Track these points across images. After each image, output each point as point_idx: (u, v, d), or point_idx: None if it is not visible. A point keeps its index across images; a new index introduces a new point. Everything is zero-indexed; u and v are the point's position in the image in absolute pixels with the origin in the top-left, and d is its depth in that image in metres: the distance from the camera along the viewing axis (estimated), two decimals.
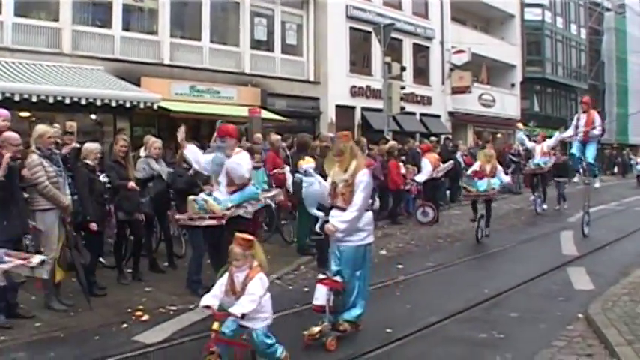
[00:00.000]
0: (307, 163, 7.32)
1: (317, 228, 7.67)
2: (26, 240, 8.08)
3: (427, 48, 31.68)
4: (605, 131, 49.83)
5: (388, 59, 22.07)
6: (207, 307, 5.69)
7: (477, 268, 10.94)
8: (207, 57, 21.24)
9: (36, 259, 6.51)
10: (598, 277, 9.77)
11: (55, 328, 7.22)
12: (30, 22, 17.21)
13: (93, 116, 17.44)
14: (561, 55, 44.15)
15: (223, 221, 8.18)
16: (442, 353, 6.64)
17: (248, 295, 5.55)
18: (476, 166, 14.19)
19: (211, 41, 21.54)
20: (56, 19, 17.67)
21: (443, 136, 27.53)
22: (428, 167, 16.34)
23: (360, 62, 27.78)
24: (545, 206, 18.93)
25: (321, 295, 6.85)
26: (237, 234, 5.86)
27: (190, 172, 9.52)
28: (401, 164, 16.57)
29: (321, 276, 7.03)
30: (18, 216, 7.36)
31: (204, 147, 10.26)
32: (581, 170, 15.40)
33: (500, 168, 14.23)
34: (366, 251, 7.17)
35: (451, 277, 10.36)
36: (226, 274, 5.74)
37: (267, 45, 23.64)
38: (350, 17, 26.58)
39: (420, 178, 16.28)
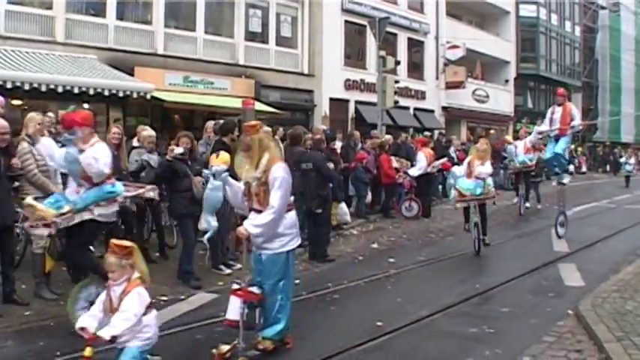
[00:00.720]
0: (220, 162, 6.32)
1: (205, 239, 7.22)
2: (17, 229, 8.11)
3: (422, 43, 31.67)
4: (598, 129, 50.52)
5: (383, 53, 22.01)
6: (82, 329, 4.80)
7: (468, 263, 10.96)
8: (201, 48, 21.18)
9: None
10: (588, 274, 9.79)
11: (45, 317, 7.20)
12: (23, 9, 17.13)
13: (85, 105, 17.27)
14: (555, 52, 44.21)
15: (52, 230, 6.62)
16: (432, 347, 6.64)
17: (121, 312, 4.79)
18: (465, 164, 12.62)
19: (206, 32, 21.48)
20: (50, 8, 17.58)
21: (436, 131, 27.58)
22: (423, 162, 16.34)
23: (354, 56, 27.76)
24: (528, 204, 17.97)
25: (233, 309, 6.02)
26: (113, 240, 5.10)
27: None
28: (393, 158, 16.54)
29: (235, 286, 6.16)
30: (3, 204, 7.30)
31: (197, 138, 10.25)
32: (566, 172, 14.27)
33: (487, 167, 12.04)
34: (289, 259, 6.29)
35: (442, 272, 10.40)
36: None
37: (261, 37, 23.59)
38: (345, 10, 26.55)
39: (414, 172, 16.28)
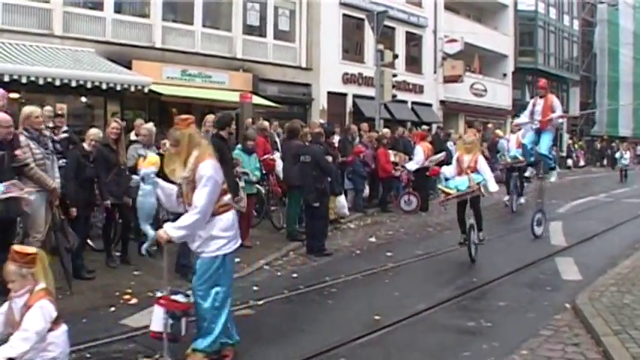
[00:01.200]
0: (149, 165, 5.78)
1: (143, 249, 6.77)
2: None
3: (420, 36, 31.65)
4: (596, 123, 50.55)
5: (381, 47, 22.01)
6: None
7: (465, 257, 10.90)
8: (199, 41, 21.13)
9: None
10: (586, 268, 9.81)
11: None
12: (20, 2, 17.04)
13: (83, 99, 17.35)
14: (554, 46, 44.18)
15: None
16: (430, 341, 6.65)
17: (21, 331, 4.31)
18: (454, 161, 11.29)
19: (203, 25, 21.44)
20: (47, 1, 17.52)
21: (434, 125, 27.56)
22: (420, 156, 16.35)
23: (352, 49, 27.73)
24: (522, 200, 17.36)
25: (157, 320, 5.55)
26: (14, 247, 4.69)
27: None
28: (390, 151, 16.54)
29: (158, 294, 5.68)
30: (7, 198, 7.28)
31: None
32: (533, 166, 13.72)
33: (482, 161, 10.78)
34: (225, 264, 5.72)
35: (440, 266, 10.39)
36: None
37: (259, 30, 23.54)
38: (343, 4, 26.50)
39: (411, 166, 16.30)
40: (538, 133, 12.69)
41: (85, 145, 8.91)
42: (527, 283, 9.07)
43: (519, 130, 15.56)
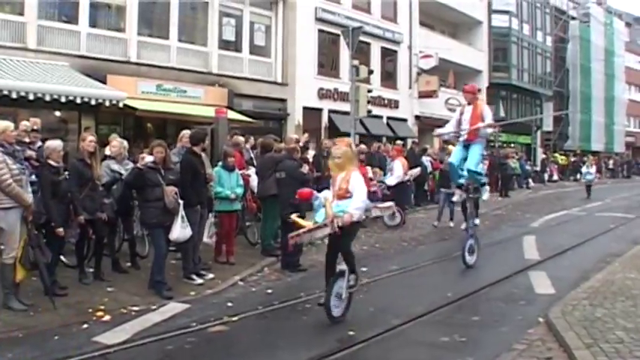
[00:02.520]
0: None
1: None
2: None
3: (395, 52, 31.86)
4: (569, 138, 51.07)
5: (356, 62, 22.08)
6: None
7: (440, 272, 11.01)
8: (174, 56, 21.09)
9: None
10: (559, 282, 9.88)
11: (13, 329, 7.09)
12: None
13: (57, 113, 17.22)
14: (527, 61, 44.67)
15: None
16: (404, 356, 6.66)
17: None
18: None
19: (179, 40, 21.41)
20: (21, 14, 17.39)
21: (409, 140, 27.70)
22: (399, 170, 16.43)
23: (328, 65, 27.83)
24: (477, 220, 14.36)
25: None
26: None
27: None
28: (368, 167, 16.59)
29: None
30: None
31: (170, 146, 10.22)
32: (463, 185, 11.53)
33: (356, 181, 7.54)
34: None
35: (415, 281, 10.42)
36: None
37: (235, 45, 23.56)
38: (319, 19, 26.63)
39: (391, 181, 16.40)
40: (466, 146, 11.12)
41: (52, 161, 8.64)
42: (500, 297, 9.11)
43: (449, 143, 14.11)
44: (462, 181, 11.35)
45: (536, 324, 7.52)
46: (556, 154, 46.44)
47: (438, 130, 12.56)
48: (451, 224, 16.62)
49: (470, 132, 10.91)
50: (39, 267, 7.83)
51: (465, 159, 11.15)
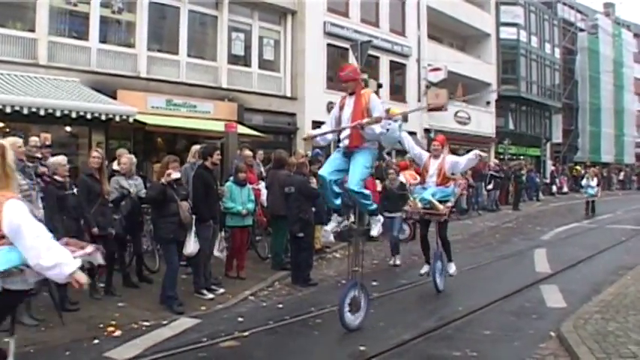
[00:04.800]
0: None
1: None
2: None
3: (404, 65, 31.84)
4: (579, 150, 50.79)
5: (365, 76, 22.13)
6: None
7: (451, 286, 10.95)
8: (184, 71, 21.17)
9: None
10: (570, 295, 9.85)
11: (25, 344, 7.08)
12: (5, 32, 17.04)
13: (68, 128, 17.29)
14: (536, 73, 44.61)
15: None
16: None
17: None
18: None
19: (188, 55, 21.47)
20: (32, 30, 17.51)
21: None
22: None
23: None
24: (453, 269, 10.66)
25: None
26: None
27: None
28: (377, 181, 16.57)
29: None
30: None
31: (182, 161, 10.26)
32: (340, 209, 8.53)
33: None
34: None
35: (425, 295, 10.37)
36: None
37: (244, 60, 23.62)
38: (327, 34, 26.66)
39: None
40: (348, 155, 7.97)
41: (58, 177, 8.73)
42: (512, 311, 9.08)
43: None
44: (338, 202, 8.17)
45: (548, 338, 7.50)
46: (577, 167, 46.23)
47: (311, 132, 9.07)
48: (397, 261, 13.27)
49: (351, 134, 7.82)
50: (48, 282, 7.83)
51: (343, 169, 8.04)
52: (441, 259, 10.47)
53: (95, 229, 8.98)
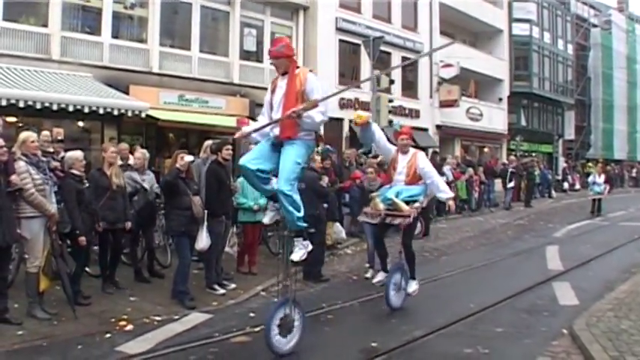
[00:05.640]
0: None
1: None
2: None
3: (416, 61, 31.75)
4: (591, 146, 50.56)
5: (377, 72, 22.09)
6: None
7: (462, 283, 10.95)
8: (196, 66, 21.20)
9: None
10: (583, 293, 9.81)
11: (37, 337, 7.15)
12: (19, 27, 17.10)
13: (80, 123, 17.36)
14: (548, 70, 44.41)
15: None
16: None
17: None
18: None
19: (201, 51, 21.50)
20: (45, 25, 17.58)
21: (430, 150, 27.61)
22: None
23: (348, 74, 27.77)
24: (414, 287, 9.22)
25: None
26: None
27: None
28: None
29: None
30: (5, 223, 7.29)
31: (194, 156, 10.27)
32: (270, 207, 7.31)
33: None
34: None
35: (437, 292, 10.35)
36: None
37: (256, 55, 23.61)
38: (339, 29, 26.63)
39: None
40: (277, 144, 6.62)
41: (76, 170, 8.76)
42: (524, 308, 9.05)
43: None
44: (269, 187, 6.75)
45: (560, 336, 7.48)
46: (590, 164, 46.00)
47: (244, 129, 7.23)
48: (378, 277, 9.65)
49: (284, 122, 6.49)
50: (61, 276, 7.89)
51: (273, 162, 6.62)
52: (402, 272, 9.05)
53: (100, 224, 8.99)
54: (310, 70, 6.85)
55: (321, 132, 23.20)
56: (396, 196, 8.65)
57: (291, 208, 6.49)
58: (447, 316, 8.41)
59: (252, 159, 6.58)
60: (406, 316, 8.54)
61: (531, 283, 10.51)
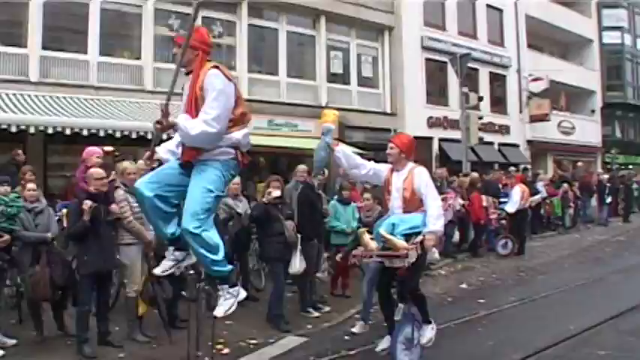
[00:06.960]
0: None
1: None
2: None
3: (504, 76, 31.31)
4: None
5: (465, 89, 21.88)
6: None
7: (561, 303, 10.64)
8: (284, 91, 21.53)
9: None
10: None
11: (137, 359, 7.36)
12: (114, 60, 17.83)
13: None
14: None
15: None
16: None
17: None
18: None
19: (288, 75, 21.84)
20: (138, 58, 18.27)
21: (522, 166, 27.10)
22: (517, 197, 16.14)
23: (436, 93, 27.65)
24: (429, 335, 7.07)
25: None
26: None
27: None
28: (483, 196, 16.35)
29: None
30: (100, 251, 7.56)
31: (286, 181, 10.40)
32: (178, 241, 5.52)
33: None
34: None
35: (535, 313, 10.07)
36: None
37: (343, 78, 23.81)
38: (425, 48, 26.56)
39: (510, 208, 16.11)
40: (188, 170, 5.29)
41: None
42: (628, 330, 8.68)
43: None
44: (171, 229, 5.36)
45: None
46: None
47: (156, 151, 5.68)
48: (355, 329, 8.93)
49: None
50: (157, 302, 8.11)
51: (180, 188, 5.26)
52: (412, 323, 6.87)
53: None
54: (216, 67, 5.20)
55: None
56: (392, 230, 6.48)
57: (202, 251, 5.05)
58: (547, 339, 8.17)
59: (152, 183, 5.21)
60: (503, 339, 8.36)
61: (635, 303, 10.07)
